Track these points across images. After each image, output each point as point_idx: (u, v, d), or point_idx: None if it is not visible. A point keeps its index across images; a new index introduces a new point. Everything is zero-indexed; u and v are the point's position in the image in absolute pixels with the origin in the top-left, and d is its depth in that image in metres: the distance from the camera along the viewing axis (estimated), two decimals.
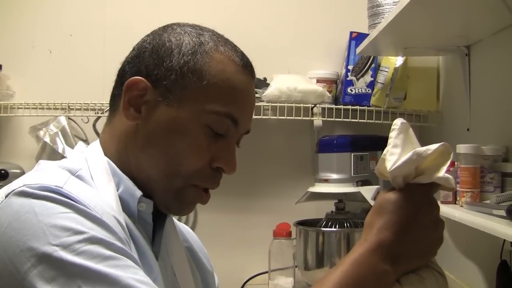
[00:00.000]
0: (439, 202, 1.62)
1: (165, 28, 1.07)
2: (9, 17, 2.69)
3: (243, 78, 1.04)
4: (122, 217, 0.94)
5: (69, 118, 2.55)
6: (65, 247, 0.79)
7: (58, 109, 2.53)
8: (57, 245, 0.79)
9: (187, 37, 1.03)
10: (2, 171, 2.42)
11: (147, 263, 0.96)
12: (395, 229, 0.89)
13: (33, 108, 2.53)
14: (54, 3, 2.71)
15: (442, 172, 0.89)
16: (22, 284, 0.78)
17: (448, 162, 0.89)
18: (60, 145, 2.47)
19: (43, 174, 0.92)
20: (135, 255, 0.91)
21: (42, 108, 2.53)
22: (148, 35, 1.08)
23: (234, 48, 1.07)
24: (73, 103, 2.52)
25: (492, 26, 1.76)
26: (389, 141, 0.92)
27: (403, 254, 0.89)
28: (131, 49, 1.08)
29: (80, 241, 0.80)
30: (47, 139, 2.49)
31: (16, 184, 0.87)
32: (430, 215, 0.92)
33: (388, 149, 0.91)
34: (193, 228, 2.64)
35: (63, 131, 2.51)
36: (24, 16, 2.69)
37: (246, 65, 1.06)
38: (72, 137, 2.51)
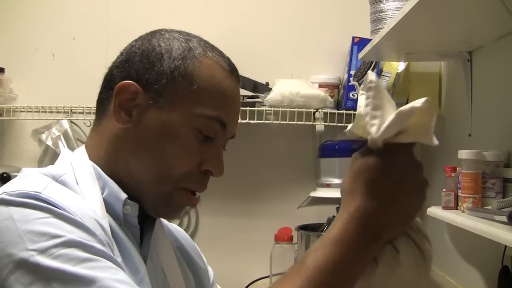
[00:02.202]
0: (440, 208, 1.63)
1: (153, 33, 1.08)
2: (12, 20, 2.70)
3: (231, 83, 1.06)
4: (106, 221, 0.94)
5: (71, 122, 2.56)
6: (42, 251, 0.80)
7: (60, 112, 2.54)
8: (34, 250, 0.80)
9: (177, 42, 1.05)
10: (4, 175, 2.42)
11: (133, 265, 0.96)
12: (380, 199, 0.82)
13: (35, 112, 2.53)
14: (57, 7, 2.72)
15: (431, 131, 0.81)
16: None
17: (434, 118, 0.81)
18: (62, 149, 2.47)
19: (24, 181, 0.92)
20: (119, 258, 0.92)
21: (45, 112, 2.53)
22: (136, 40, 1.09)
23: (221, 54, 1.08)
24: (76, 107, 2.53)
25: (495, 32, 1.76)
26: (367, 102, 0.83)
27: (386, 225, 0.82)
28: (119, 53, 1.09)
29: (57, 245, 0.81)
30: (49, 143, 2.50)
31: None
32: (416, 177, 0.85)
33: (368, 111, 0.83)
34: (194, 231, 2.65)
35: (65, 134, 2.52)
36: (27, 19, 2.70)
37: (233, 71, 1.08)
38: (74, 140, 2.52)
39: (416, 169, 0.85)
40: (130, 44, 1.09)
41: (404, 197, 0.83)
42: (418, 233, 0.87)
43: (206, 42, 1.08)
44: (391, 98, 0.87)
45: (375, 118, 0.82)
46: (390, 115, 0.81)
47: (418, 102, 0.81)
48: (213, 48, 1.08)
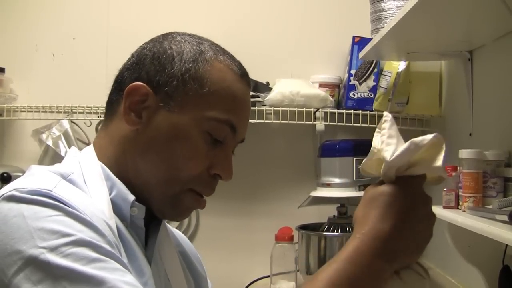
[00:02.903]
0: (441, 207, 1.63)
1: (165, 36, 1.09)
2: (12, 20, 2.70)
3: (242, 87, 1.06)
4: (113, 221, 0.95)
5: (71, 122, 2.55)
6: (52, 249, 0.80)
7: (60, 112, 2.54)
8: (44, 248, 0.80)
9: (188, 45, 1.05)
10: (5, 174, 2.42)
11: (138, 267, 0.96)
12: (393, 223, 0.86)
13: (35, 112, 2.53)
14: (57, 7, 2.72)
15: (439, 162, 0.87)
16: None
17: (443, 152, 0.88)
18: (63, 149, 2.48)
19: (34, 178, 0.92)
20: (125, 259, 0.92)
21: (45, 111, 2.53)
22: (147, 43, 1.09)
23: (232, 57, 1.09)
24: (76, 107, 2.53)
25: (495, 31, 1.76)
26: (383, 132, 0.90)
27: (399, 249, 0.86)
28: (130, 55, 1.09)
29: (67, 244, 0.81)
30: (49, 143, 2.50)
31: (6, 189, 0.88)
32: (426, 208, 0.90)
33: (384, 140, 0.89)
34: (195, 232, 2.65)
35: (65, 134, 2.52)
36: (27, 19, 2.70)
37: (244, 75, 1.08)
38: (75, 140, 2.52)
39: (425, 200, 0.90)
40: (141, 46, 1.09)
41: (415, 224, 0.88)
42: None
43: (217, 46, 1.08)
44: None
45: (389, 145, 0.88)
46: (402, 145, 0.88)
47: (429, 136, 0.87)
48: (224, 51, 1.08)
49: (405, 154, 0.86)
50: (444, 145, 0.88)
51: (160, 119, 1.02)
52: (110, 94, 1.09)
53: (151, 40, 1.09)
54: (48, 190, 0.87)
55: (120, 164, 1.03)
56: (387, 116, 0.92)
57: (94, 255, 0.82)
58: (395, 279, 0.89)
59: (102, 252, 0.83)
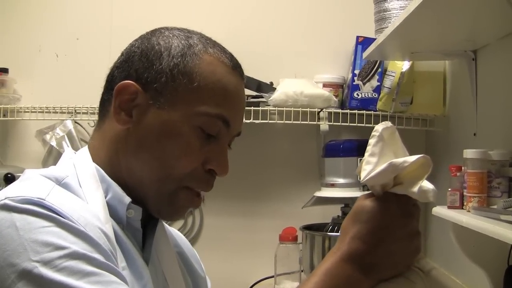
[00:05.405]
0: (445, 207, 1.62)
1: (153, 32, 1.07)
2: (16, 21, 2.71)
3: (233, 79, 1.04)
4: (110, 225, 0.93)
5: (75, 122, 2.56)
6: (46, 263, 0.78)
7: (64, 112, 2.54)
8: (37, 261, 0.78)
9: (176, 39, 1.03)
10: (9, 175, 2.42)
11: (137, 269, 0.95)
12: (367, 240, 0.88)
13: (39, 112, 2.54)
14: (60, 7, 2.72)
15: (416, 187, 0.86)
16: None
17: (426, 176, 0.87)
18: (67, 149, 2.47)
19: (26, 185, 0.91)
20: (123, 263, 0.91)
21: (49, 112, 2.54)
22: (136, 40, 1.07)
23: (223, 50, 1.06)
24: (80, 107, 2.53)
25: (499, 31, 1.75)
26: (367, 148, 0.90)
27: (376, 264, 0.88)
28: (119, 54, 1.08)
29: (61, 257, 0.80)
30: (53, 143, 2.50)
31: None
32: (405, 227, 0.90)
33: (365, 157, 0.89)
34: (199, 232, 2.65)
35: (69, 134, 2.52)
36: (31, 20, 2.71)
37: (236, 67, 1.06)
38: (79, 140, 2.52)
39: (405, 219, 0.90)
40: (130, 43, 1.08)
41: (391, 243, 0.89)
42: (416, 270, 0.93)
43: (207, 39, 1.06)
44: (402, 147, 0.92)
45: (368, 164, 0.88)
46: (381, 165, 0.87)
47: (413, 157, 0.86)
48: (214, 44, 1.06)
49: (380, 176, 0.87)
50: (430, 169, 0.87)
51: (150, 116, 1.00)
52: (102, 94, 1.08)
53: (140, 37, 1.08)
54: (41, 199, 0.85)
55: (113, 164, 1.02)
56: (375, 130, 0.91)
57: (89, 268, 0.80)
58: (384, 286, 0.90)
59: (96, 264, 0.82)
